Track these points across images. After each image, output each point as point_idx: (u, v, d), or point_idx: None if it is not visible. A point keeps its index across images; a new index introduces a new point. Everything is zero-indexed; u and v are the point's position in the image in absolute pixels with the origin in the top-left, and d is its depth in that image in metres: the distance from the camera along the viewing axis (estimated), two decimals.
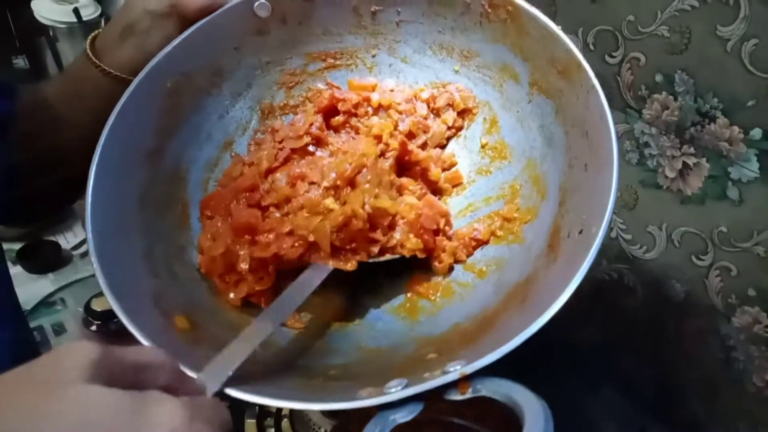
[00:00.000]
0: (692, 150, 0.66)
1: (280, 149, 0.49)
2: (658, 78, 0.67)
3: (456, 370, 0.33)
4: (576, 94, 0.43)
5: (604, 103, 0.40)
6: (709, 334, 0.71)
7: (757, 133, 0.61)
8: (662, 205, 0.71)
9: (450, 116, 0.52)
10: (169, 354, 0.32)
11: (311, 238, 0.44)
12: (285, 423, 0.69)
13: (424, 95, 0.52)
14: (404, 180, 0.50)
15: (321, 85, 0.54)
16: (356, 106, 0.51)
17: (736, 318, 0.68)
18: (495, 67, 0.51)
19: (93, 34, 0.53)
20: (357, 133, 0.51)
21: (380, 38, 0.53)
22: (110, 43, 0.52)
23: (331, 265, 0.44)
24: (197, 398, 0.31)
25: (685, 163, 0.67)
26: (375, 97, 0.51)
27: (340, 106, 0.51)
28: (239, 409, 0.70)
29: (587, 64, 0.43)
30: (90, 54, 0.52)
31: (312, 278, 0.44)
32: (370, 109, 0.51)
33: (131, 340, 0.34)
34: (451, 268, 0.47)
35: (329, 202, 0.44)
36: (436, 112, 0.52)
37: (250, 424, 0.69)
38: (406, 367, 0.38)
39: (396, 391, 0.33)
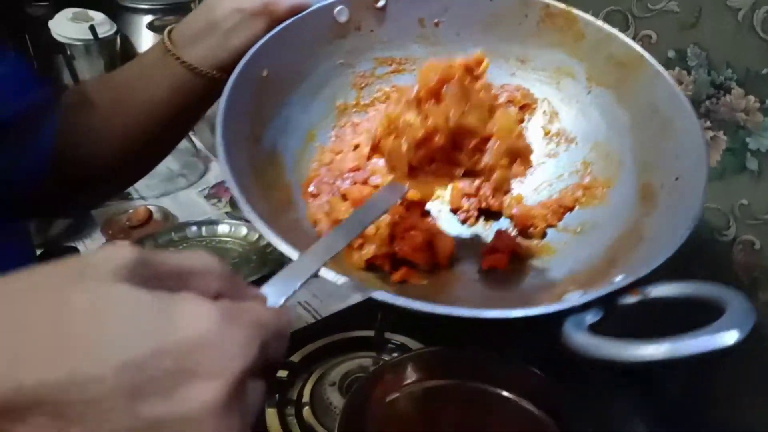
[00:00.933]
0: (709, 124, 0.66)
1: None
2: (671, 54, 0.67)
3: (621, 279, 0.37)
4: (638, 82, 0.50)
5: (671, 81, 0.48)
6: None
7: None
8: None
9: (512, 111, 0.56)
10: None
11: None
12: (306, 411, 0.68)
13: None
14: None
15: (387, 88, 0.58)
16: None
17: (762, 293, 0.67)
18: (551, 69, 0.56)
19: (169, 27, 0.57)
20: None
21: (440, 47, 0.57)
22: (190, 36, 0.55)
23: (407, 186, 0.44)
24: (242, 303, 0.27)
25: None
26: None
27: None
28: None
29: (648, 54, 0.50)
30: (169, 45, 0.55)
31: (387, 198, 0.43)
32: None
33: None
34: (544, 233, 0.50)
35: (411, 116, 0.43)
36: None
37: (271, 413, 0.68)
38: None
39: (578, 298, 0.37)
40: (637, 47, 0.51)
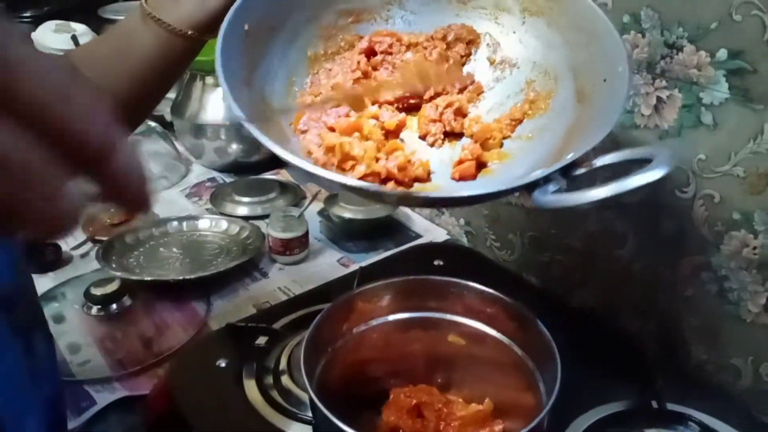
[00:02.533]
0: (664, 83, 0.69)
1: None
2: (626, 19, 0.70)
3: (571, 156, 0.46)
4: (563, 7, 0.57)
5: (591, 2, 0.55)
6: (702, 271, 0.72)
7: (723, 53, 0.64)
8: (642, 143, 0.73)
9: (460, 47, 0.63)
10: None
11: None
12: (285, 378, 0.69)
13: (438, 35, 0.63)
14: None
15: (349, 37, 0.64)
16: (390, 45, 0.62)
17: (724, 245, 0.69)
18: (489, 6, 0.63)
19: None
20: (394, 68, 0.62)
21: None
22: (166, 1, 0.59)
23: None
24: None
25: (658, 98, 0.70)
26: (405, 38, 0.62)
27: (377, 48, 0.62)
28: (238, 373, 0.70)
29: None
30: (147, 9, 0.59)
31: None
32: (402, 48, 0.62)
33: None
34: (501, 144, 0.58)
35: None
36: (448, 46, 0.63)
37: (250, 383, 0.69)
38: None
39: (540, 173, 0.45)
40: None
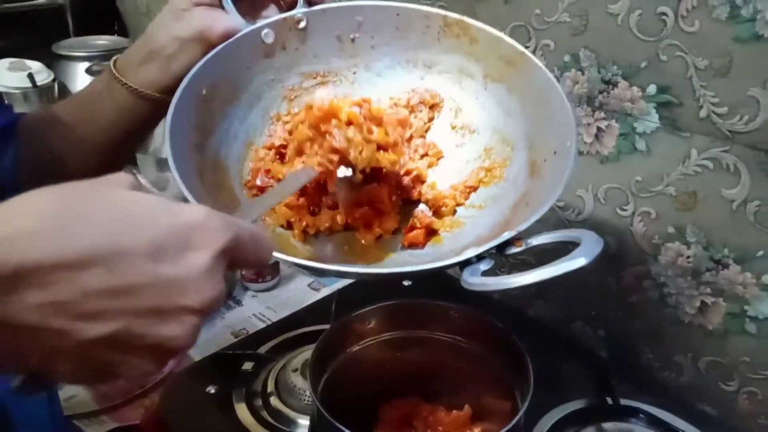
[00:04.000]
0: (603, 115, 0.77)
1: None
2: (567, 58, 0.78)
3: (506, 234, 0.47)
4: (524, 75, 0.59)
5: (548, 73, 0.57)
6: (644, 279, 0.81)
7: (652, 89, 0.73)
8: (586, 168, 0.81)
9: (424, 112, 0.65)
10: None
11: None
12: (274, 399, 0.73)
13: (402, 101, 0.65)
14: None
15: (313, 99, 0.65)
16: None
17: (662, 256, 0.78)
18: (454, 71, 0.65)
19: (114, 58, 0.63)
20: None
21: (359, 59, 0.65)
22: (134, 63, 0.61)
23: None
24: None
25: (598, 128, 0.78)
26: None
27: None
28: (228, 398, 0.74)
29: (528, 51, 0.60)
30: (116, 73, 0.61)
31: (300, 177, 0.54)
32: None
33: None
34: (454, 211, 0.60)
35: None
36: (412, 110, 0.65)
37: (241, 407, 0.73)
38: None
39: (473, 252, 0.46)
40: (520, 46, 0.60)
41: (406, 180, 0.61)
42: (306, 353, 0.79)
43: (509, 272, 0.50)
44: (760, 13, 0.61)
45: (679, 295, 0.77)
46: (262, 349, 0.81)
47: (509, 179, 0.59)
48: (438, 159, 0.64)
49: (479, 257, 0.46)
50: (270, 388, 0.75)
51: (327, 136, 0.54)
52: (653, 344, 0.82)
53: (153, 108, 0.61)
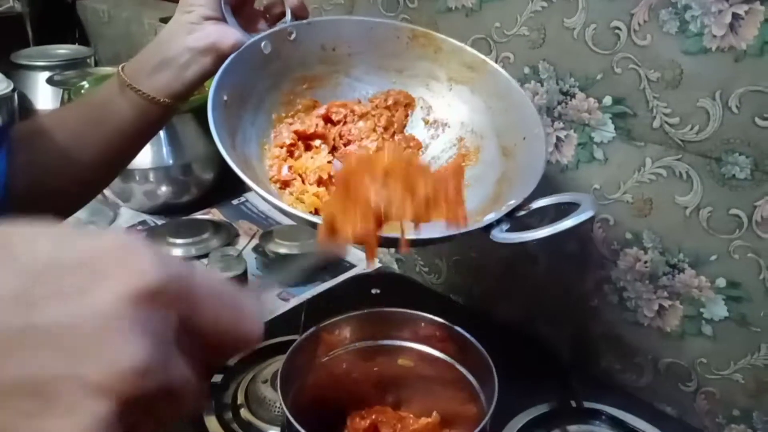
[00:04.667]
0: (562, 125, 0.80)
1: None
2: (526, 70, 0.81)
3: (513, 202, 0.58)
4: (485, 78, 0.69)
5: (508, 76, 0.67)
6: (604, 283, 0.83)
7: (608, 100, 0.75)
8: (546, 177, 0.83)
9: (401, 111, 0.73)
10: None
11: None
12: (244, 411, 0.74)
13: (380, 103, 0.74)
14: None
15: (306, 101, 0.73)
16: (345, 116, 0.71)
17: (620, 261, 0.80)
18: (422, 75, 0.74)
19: (122, 65, 0.66)
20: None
21: (339, 66, 0.74)
22: (146, 71, 0.65)
23: None
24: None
25: (558, 137, 0.81)
26: (357, 108, 0.72)
27: (333, 117, 0.71)
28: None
29: (488, 58, 0.70)
30: (127, 80, 0.64)
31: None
32: (356, 117, 0.72)
33: None
34: None
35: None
36: (391, 110, 0.73)
37: (211, 420, 0.73)
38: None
39: (494, 216, 0.57)
40: (480, 54, 0.71)
41: None
42: (276, 364, 0.80)
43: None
44: (707, 27, 0.64)
45: (638, 298, 0.80)
46: (231, 361, 0.81)
47: (486, 162, 0.68)
48: (419, 150, 0.72)
49: (498, 221, 0.56)
50: (240, 399, 0.75)
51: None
52: (614, 347, 0.85)
53: (162, 113, 0.67)
